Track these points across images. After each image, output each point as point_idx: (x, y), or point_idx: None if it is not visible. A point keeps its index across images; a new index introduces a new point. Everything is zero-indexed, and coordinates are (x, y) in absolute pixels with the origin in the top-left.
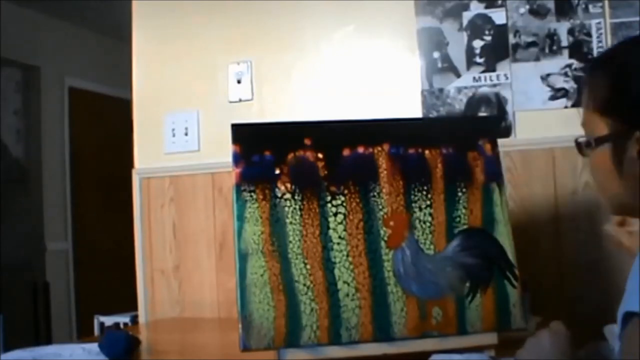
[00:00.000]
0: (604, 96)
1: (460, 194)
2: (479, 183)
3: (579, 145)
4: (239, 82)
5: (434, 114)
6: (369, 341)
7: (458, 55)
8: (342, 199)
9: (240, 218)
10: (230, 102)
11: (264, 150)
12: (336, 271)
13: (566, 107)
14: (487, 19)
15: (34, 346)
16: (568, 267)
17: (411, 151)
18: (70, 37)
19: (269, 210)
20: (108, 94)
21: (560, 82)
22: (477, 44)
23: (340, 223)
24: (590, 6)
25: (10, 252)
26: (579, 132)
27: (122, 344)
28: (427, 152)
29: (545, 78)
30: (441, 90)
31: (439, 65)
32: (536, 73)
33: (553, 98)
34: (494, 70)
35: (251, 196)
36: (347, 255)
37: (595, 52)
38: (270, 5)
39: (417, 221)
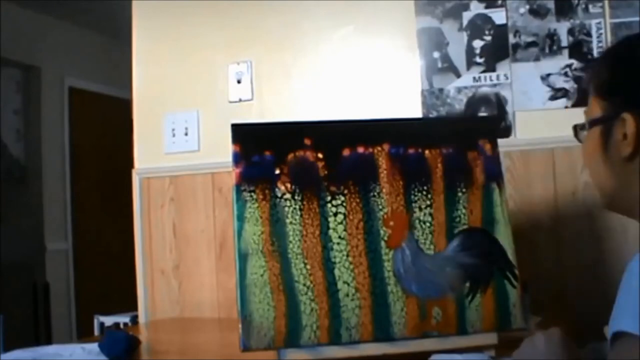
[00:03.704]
0: (602, 79)
1: (460, 194)
2: (479, 183)
3: (575, 129)
4: (239, 82)
5: (434, 114)
6: (369, 341)
7: (458, 55)
8: (342, 199)
9: (240, 218)
10: (230, 102)
11: (264, 150)
12: (336, 271)
13: (566, 107)
14: (487, 19)
15: (34, 346)
16: (568, 267)
17: (411, 151)
18: (70, 37)
19: (269, 210)
20: (108, 94)
21: (560, 82)
22: (477, 44)
23: (340, 223)
24: (590, 6)
25: (10, 252)
26: None
27: (122, 344)
28: (427, 152)
29: (545, 78)
30: (441, 90)
31: (439, 65)
32: (536, 73)
33: (553, 98)
34: (494, 70)
35: (251, 196)
36: (347, 255)
37: (595, 52)
38: (270, 5)
39: (417, 221)
